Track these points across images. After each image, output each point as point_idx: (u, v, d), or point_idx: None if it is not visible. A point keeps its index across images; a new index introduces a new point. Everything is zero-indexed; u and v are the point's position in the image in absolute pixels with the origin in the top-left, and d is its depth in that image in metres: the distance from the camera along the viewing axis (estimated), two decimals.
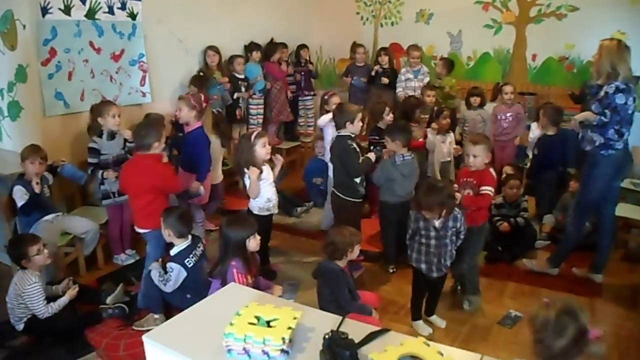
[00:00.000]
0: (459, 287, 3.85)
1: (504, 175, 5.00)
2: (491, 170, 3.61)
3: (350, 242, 3.13)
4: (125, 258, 4.40)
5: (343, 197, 4.06)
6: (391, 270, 4.22)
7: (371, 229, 4.69)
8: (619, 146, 3.65)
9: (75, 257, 4.16)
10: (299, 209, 5.34)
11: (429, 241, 3.29)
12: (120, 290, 3.74)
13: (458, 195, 3.41)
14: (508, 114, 5.71)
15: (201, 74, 5.52)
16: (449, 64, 6.38)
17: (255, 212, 3.87)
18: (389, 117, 4.79)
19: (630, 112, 3.56)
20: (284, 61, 6.63)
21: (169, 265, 3.34)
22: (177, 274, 3.31)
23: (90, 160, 4.12)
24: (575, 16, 6.12)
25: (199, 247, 3.49)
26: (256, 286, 3.15)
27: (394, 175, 4.05)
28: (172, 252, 3.37)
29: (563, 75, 6.35)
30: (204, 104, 4.52)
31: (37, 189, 3.78)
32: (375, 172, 4.19)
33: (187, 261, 3.34)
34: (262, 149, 3.71)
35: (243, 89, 6.02)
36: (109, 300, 3.64)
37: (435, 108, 5.32)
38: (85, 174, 4.17)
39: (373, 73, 6.63)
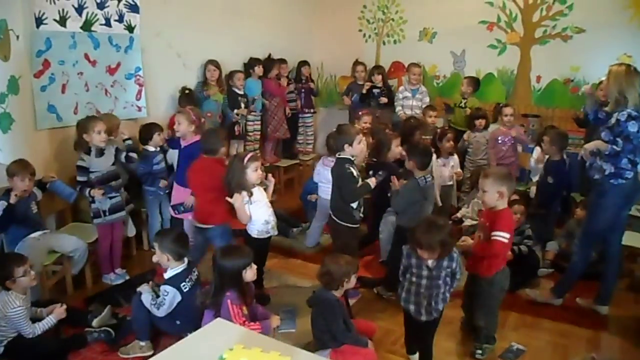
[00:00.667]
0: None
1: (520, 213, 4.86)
2: (512, 211, 3.36)
3: (347, 271, 3.00)
4: (114, 277, 4.26)
5: (339, 222, 3.93)
6: (386, 297, 4.07)
7: (367, 254, 4.60)
8: (630, 175, 3.53)
9: (63, 276, 4.01)
10: (295, 230, 5.20)
11: (420, 281, 3.00)
12: (108, 312, 3.58)
13: (469, 240, 3.31)
14: (507, 138, 5.59)
15: (186, 91, 5.37)
16: (475, 82, 6.27)
17: (254, 235, 3.75)
18: (397, 149, 4.61)
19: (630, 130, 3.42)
20: (283, 77, 6.53)
21: (164, 288, 3.19)
22: (172, 297, 3.16)
23: (79, 178, 3.99)
24: (581, 38, 6.02)
25: (194, 272, 3.36)
26: (253, 315, 3.05)
27: (417, 198, 3.87)
28: (167, 275, 3.22)
29: (568, 98, 6.23)
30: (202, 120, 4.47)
31: (13, 200, 3.59)
32: (396, 199, 3.98)
33: (183, 285, 3.20)
34: (253, 173, 3.60)
35: (242, 105, 5.90)
36: (95, 322, 3.48)
37: (439, 130, 5.19)
38: (74, 191, 4.05)
39: (364, 91, 6.52)
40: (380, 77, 6.48)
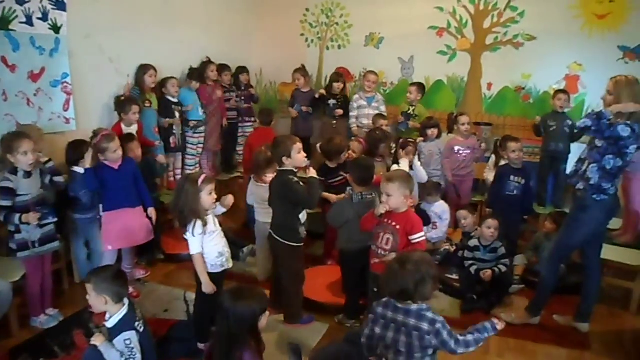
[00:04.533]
0: None
1: (463, 218, 4.69)
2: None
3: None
4: (46, 320, 3.57)
5: (281, 240, 3.54)
6: (348, 326, 3.69)
7: (330, 276, 4.19)
8: (612, 191, 3.38)
9: None
10: (245, 250, 4.69)
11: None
12: None
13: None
14: (465, 147, 5.37)
15: (122, 97, 4.75)
16: (422, 88, 6.02)
17: (208, 270, 3.22)
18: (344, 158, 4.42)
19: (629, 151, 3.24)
20: (214, 81, 5.91)
21: (120, 338, 2.56)
22: (136, 342, 2.58)
23: (2, 203, 3.27)
24: (533, 45, 5.93)
25: (137, 309, 2.77)
26: None
27: (350, 216, 3.55)
28: (112, 322, 2.59)
29: (519, 106, 6.13)
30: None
31: None
32: (331, 211, 3.74)
33: (138, 325, 2.62)
34: (208, 197, 3.09)
35: (177, 114, 5.32)
36: None
37: (401, 140, 4.85)
38: None
39: (317, 95, 6.18)
40: (341, 85, 6.13)
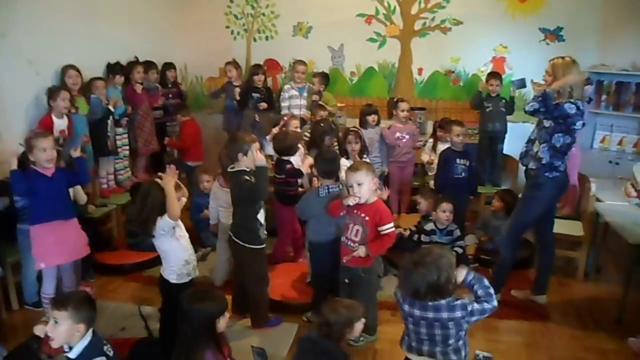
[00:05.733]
0: None
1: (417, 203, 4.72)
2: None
3: (350, 319, 2.54)
4: None
5: (242, 243, 3.41)
6: (305, 319, 3.69)
7: (291, 274, 4.18)
8: (562, 168, 3.54)
9: None
10: (199, 254, 4.46)
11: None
12: None
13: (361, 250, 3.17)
14: (404, 133, 5.42)
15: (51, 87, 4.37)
16: (325, 77, 6.02)
17: (173, 280, 3.03)
18: None
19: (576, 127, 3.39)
20: (137, 83, 5.54)
21: None
22: None
23: None
24: (460, 30, 6.08)
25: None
26: None
27: (317, 210, 3.49)
28: (74, 353, 2.30)
29: (450, 89, 6.28)
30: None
31: None
32: (299, 204, 3.66)
33: (107, 349, 2.37)
34: (177, 203, 2.93)
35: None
36: None
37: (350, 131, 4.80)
38: None
39: (237, 97, 5.96)
40: (262, 77, 5.94)
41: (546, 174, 3.51)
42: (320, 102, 5.74)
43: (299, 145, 4.39)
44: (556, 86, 3.36)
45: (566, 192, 4.34)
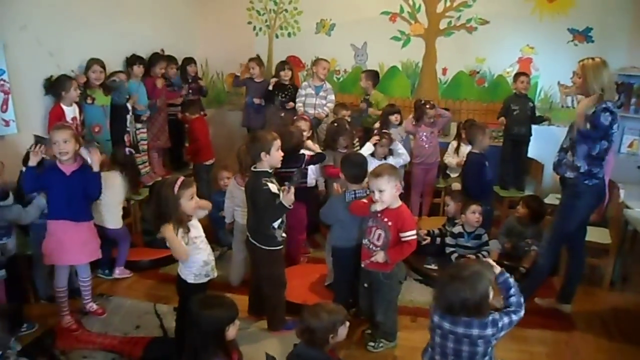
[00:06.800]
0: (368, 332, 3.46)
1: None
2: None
3: (332, 324, 2.49)
4: None
5: (259, 245, 3.34)
6: None
7: (309, 276, 4.11)
8: (601, 175, 3.42)
9: None
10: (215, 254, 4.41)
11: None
12: None
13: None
14: (428, 132, 5.33)
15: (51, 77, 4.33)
16: (374, 76, 5.85)
17: (190, 280, 2.97)
18: None
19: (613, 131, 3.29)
20: (159, 78, 5.52)
21: None
22: None
23: None
24: (486, 29, 5.96)
25: None
26: None
27: (342, 215, 3.42)
28: None
29: (475, 90, 6.15)
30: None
31: None
32: (324, 208, 3.60)
33: None
34: (188, 203, 2.84)
35: (130, 108, 4.96)
36: None
37: (375, 132, 4.73)
38: None
39: (270, 87, 5.89)
40: (290, 72, 5.87)
41: (585, 182, 3.41)
42: (367, 98, 5.71)
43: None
44: (580, 111, 3.34)
45: None
